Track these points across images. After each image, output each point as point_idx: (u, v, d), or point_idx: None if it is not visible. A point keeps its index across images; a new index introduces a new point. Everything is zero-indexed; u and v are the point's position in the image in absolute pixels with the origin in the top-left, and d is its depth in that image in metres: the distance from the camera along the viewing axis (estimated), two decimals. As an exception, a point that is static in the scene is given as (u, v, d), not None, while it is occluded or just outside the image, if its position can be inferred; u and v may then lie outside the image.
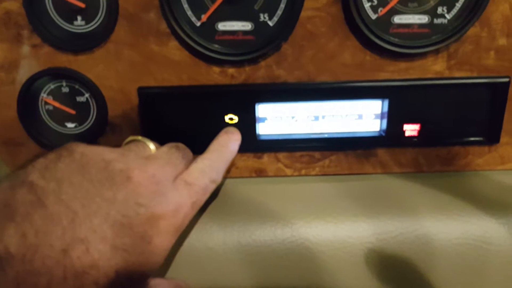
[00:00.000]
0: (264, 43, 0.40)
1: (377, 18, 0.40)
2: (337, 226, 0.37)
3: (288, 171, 0.45)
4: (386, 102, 0.42)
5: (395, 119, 0.43)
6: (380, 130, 0.44)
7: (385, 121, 0.43)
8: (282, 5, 0.39)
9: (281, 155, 0.45)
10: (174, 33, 0.40)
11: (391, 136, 0.43)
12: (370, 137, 0.44)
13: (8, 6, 0.40)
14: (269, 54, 0.41)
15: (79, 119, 0.44)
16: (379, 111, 0.43)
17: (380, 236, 0.36)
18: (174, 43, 0.41)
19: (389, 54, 0.41)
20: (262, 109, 0.43)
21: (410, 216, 0.37)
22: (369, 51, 0.41)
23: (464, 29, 0.39)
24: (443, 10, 0.39)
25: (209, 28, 0.40)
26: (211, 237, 0.36)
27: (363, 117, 0.44)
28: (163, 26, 0.40)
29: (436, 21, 0.40)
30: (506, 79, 0.41)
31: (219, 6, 0.39)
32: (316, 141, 0.44)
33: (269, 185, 0.43)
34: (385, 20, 0.40)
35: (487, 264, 0.36)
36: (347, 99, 0.43)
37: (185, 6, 0.39)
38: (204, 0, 0.39)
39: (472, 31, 0.40)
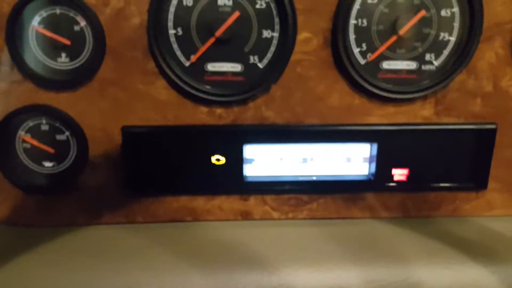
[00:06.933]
0: (254, 84, 0.39)
1: (366, 63, 0.40)
2: (326, 274, 0.36)
3: (275, 214, 0.44)
4: (375, 146, 0.42)
5: (383, 163, 0.42)
6: (369, 173, 0.43)
7: (373, 165, 0.42)
8: (272, 48, 0.39)
9: (268, 198, 0.43)
10: (162, 72, 0.39)
11: (379, 180, 0.43)
12: (358, 181, 0.43)
13: (-11, 40, 0.38)
14: (258, 95, 0.40)
15: (58, 158, 0.42)
16: (367, 155, 0.43)
17: (370, 285, 0.35)
18: (161, 82, 0.40)
19: (377, 99, 0.41)
20: (250, 150, 0.42)
21: (401, 264, 0.37)
22: (358, 95, 0.41)
23: (452, 76, 0.40)
24: (431, 57, 0.40)
25: (198, 69, 0.39)
26: (192, 286, 0.35)
27: (351, 160, 0.43)
28: (151, 65, 0.39)
29: (424, 67, 0.40)
30: (493, 126, 0.41)
31: (209, 47, 0.38)
32: (304, 183, 0.43)
33: (255, 228, 0.42)
34: (374, 65, 0.40)
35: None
36: (336, 142, 0.42)
37: (175, 46, 0.39)
38: (194, 41, 0.38)
39: (459, 78, 0.41)
